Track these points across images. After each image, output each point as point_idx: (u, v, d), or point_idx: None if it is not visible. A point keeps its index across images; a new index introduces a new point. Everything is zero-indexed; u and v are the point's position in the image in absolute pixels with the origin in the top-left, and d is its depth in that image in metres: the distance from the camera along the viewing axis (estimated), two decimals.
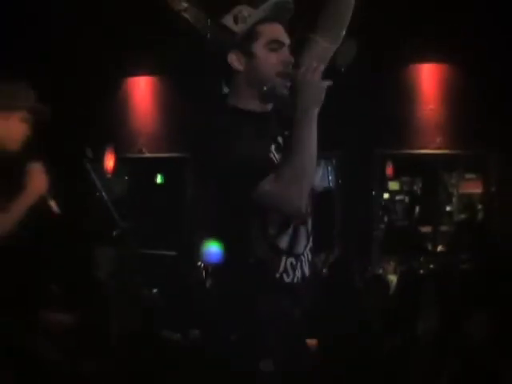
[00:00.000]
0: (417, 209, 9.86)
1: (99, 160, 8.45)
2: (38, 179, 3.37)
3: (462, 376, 4.41)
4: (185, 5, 6.55)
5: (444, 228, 9.01)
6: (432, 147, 8.15)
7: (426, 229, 9.16)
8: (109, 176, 8.79)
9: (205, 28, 6.22)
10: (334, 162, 8.89)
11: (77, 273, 6.41)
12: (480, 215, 8.89)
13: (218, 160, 2.40)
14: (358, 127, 8.02)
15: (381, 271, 7.99)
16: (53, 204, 3.43)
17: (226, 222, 2.53)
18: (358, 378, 5.01)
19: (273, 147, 2.55)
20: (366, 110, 7.90)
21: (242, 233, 2.47)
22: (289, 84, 2.47)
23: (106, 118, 9.21)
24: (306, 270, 2.59)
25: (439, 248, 8.77)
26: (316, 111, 2.38)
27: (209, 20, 6.18)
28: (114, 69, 8.91)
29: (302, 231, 2.58)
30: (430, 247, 8.88)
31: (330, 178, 9.47)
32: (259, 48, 2.49)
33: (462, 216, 9.18)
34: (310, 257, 2.62)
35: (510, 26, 7.37)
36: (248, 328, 2.48)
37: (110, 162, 8.95)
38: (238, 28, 2.49)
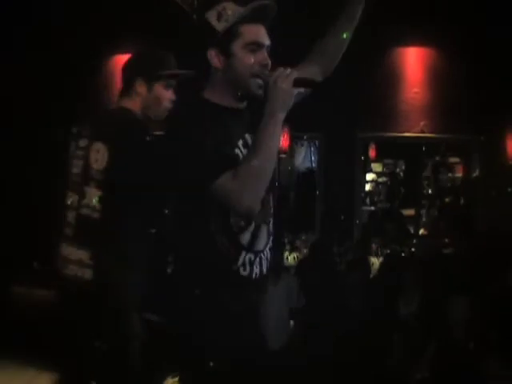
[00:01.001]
0: (400, 190, 9.88)
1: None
2: None
3: (442, 359, 4.42)
4: None
5: (427, 211, 9.02)
6: (416, 131, 8.14)
7: (409, 212, 9.18)
8: None
9: (191, 8, 6.16)
10: (317, 143, 8.87)
11: None
12: (463, 199, 8.91)
13: (181, 149, 2.42)
14: (342, 109, 7.98)
15: (362, 253, 7.99)
16: None
17: (187, 213, 2.55)
18: (340, 361, 5.03)
19: (240, 143, 2.55)
20: (350, 92, 7.88)
21: (203, 224, 2.50)
22: (262, 84, 2.48)
23: (89, 95, 9.13)
24: (265, 267, 2.63)
25: (422, 231, 8.79)
26: (282, 116, 2.40)
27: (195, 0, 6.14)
28: (101, 46, 8.83)
29: (264, 230, 2.61)
30: (412, 230, 8.89)
31: (313, 159, 9.46)
32: (238, 48, 2.48)
33: (445, 200, 9.20)
34: (269, 255, 2.66)
35: (496, 10, 7.37)
36: (208, 316, 2.50)
37: None
38: (220, 26, 2.47)
